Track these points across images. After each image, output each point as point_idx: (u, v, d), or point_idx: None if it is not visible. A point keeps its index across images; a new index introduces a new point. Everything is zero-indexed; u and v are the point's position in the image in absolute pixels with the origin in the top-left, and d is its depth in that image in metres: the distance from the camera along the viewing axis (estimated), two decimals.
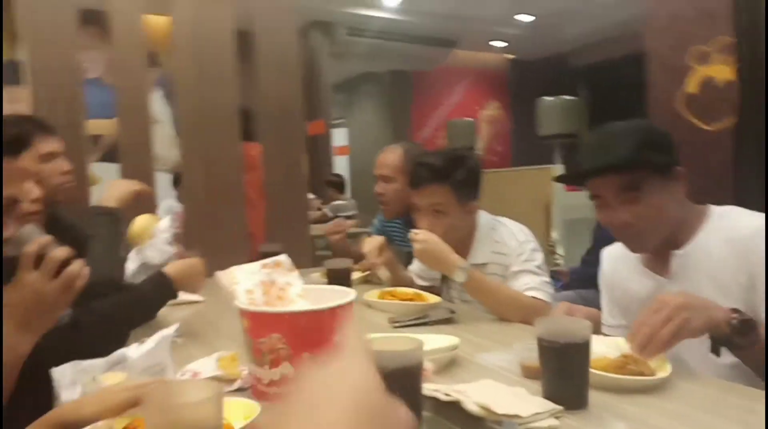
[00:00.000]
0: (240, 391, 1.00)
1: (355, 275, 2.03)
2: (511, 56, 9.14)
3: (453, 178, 1.63)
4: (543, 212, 4.61)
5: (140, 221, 1.71)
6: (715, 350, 1.04)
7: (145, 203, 1.94)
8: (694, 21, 2.50)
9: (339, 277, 1.75)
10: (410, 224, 2.19)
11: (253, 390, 0.97)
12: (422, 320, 1.44)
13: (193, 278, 1.46)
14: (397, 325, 1.43)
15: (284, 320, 0.95)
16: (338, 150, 8.36)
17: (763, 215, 1.15)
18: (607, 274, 1.39)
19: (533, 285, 1.54)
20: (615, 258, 1.36)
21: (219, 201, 2.59)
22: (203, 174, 2.59)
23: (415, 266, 1.93)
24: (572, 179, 1.36)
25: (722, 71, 2.37)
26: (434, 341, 1.14)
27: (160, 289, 1.39)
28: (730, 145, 2.34)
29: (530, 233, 1.68)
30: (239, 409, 0.85)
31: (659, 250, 1.22)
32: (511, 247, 1.63)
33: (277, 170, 2.75)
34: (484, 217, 1.73)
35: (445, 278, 1.81)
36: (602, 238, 2.32)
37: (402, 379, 0.81)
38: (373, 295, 1.70)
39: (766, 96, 2.35)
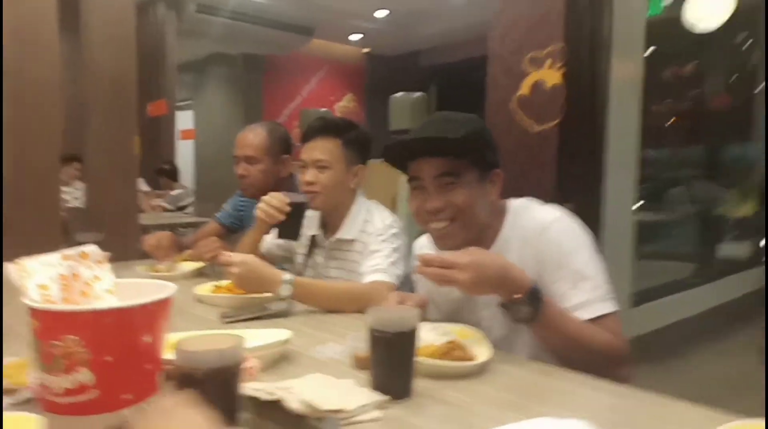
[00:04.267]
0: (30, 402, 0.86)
1: (189, 267, 1.89)
2: (366, 50, 9.25)
3: (344, 134, 1.66)
4: (390, 204, 4.73)
5: None
6: (509, 316, 1.09)
7: None
8: (532, 28, 2.70)
9: None
10: None
11: (41, 401, 0.83)
12: (256, 314, 1.36)
13: None
14: (228, 320, 1.34)
15: (83, 320, 0.82)
16: (183, 134, 7.86)
17: (551, 209, 1.22)
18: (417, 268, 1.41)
19: (380, 267, 1.54)
20: (424, 251, 1.35)
21: (32, 183, 2.26)
22: (19, 153, 2.24)
23: (271, 237, 1.85)
24: (398, 149, 1.31)
25: (551, 75, 2.57)
26: (264, 336, 1.08)
27: None
28: (555, 143, 2.55)
29: (398, 221, 1.69)
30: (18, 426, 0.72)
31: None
32: (377, 227, 1.64)
33: (105, 153, 2.48)
34: (361, 196, 1.73)
35: (311, 248, 1.77)
36: None
37: (216, 381, 0.74)
38: (204, 289, 1.58)
39: (588, 101, 2.61)
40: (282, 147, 2.06)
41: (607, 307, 1.13)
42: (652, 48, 3.29)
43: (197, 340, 0.78)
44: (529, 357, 1.15)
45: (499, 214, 1.25)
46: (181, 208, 5.67)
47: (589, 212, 1.26)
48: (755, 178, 5.92)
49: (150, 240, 2.01)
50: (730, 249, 5.44)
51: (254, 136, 2.04)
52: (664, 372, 3.08)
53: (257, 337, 1.06)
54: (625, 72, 2.97)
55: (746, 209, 5.73)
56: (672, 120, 5.92)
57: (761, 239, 5.67)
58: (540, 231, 1.18)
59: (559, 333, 1.09)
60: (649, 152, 4.93)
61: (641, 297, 3.42)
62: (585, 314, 1.12)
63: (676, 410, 0.87)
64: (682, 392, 0.92)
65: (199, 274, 1.91)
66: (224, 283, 1.60)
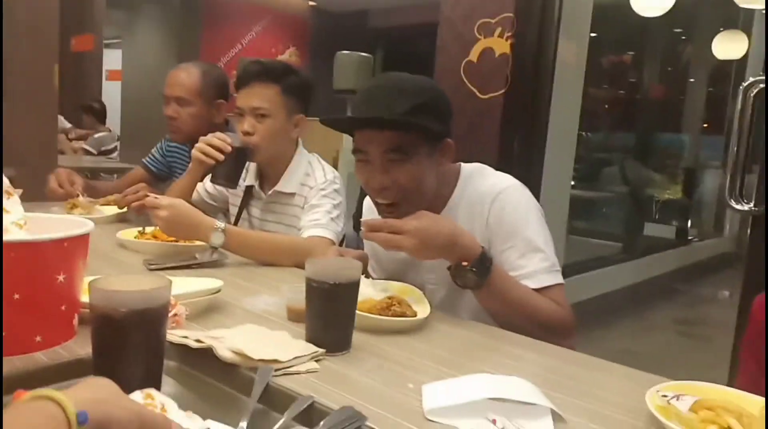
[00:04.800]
0: None
1: (110, 210, 1.77)
2: (313, 3, 8.94)
3: (284, 80, 1.54)
4: (332, 160, 4.66)
5: None
6: (457, 280, 1.08)
7: None
8: None
9: None
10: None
11: None
12: (184, 262, 1.28)
13: None
14: (153, 267, 1.26)
15: None
16: (110, 74, 7.37)
17: (504, 176, 1.21)
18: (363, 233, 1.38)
19: (321, 222, 1.48)
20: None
21: None
22: None
23: (206, 184, 1.74)
24: (341, 124, 1.29)
25: (500, 44, 2.56)
26: (192, 284, 1.01)
27: None
28: (499, 113, 2.55)
29: (340, 178, 1.62)
30: None
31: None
32: (318, 181, 1.57)
33: (22, 79, 2.25)
34: (302, 148, 1.64)
35: (244, 200, 1.68)
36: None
37: (138, 325, 0.67)
38: (128, 234, 1.48)
39: (534, 75, 2.62)
40: (217, 91, 1.94)
41: (555, 278, 1.14)
42: (593, 34, 3.34)
43: (118, 280, 0.70)
44: (472, 320, 1.15)
45: (451, 178, 1.22)
46: (104, 153, 5.34)
47: (530, 185, 1.24)
48: (682, 164, 6.29)
49: (52, 179, 1.85)
50: (657, 229, 5.78)
51: (187, 76, 1.91)
52: (589, 342, 3.23)
53: (185, 284, 0.99)
54: (571, 52, 3.01)
55: (673, 192, 6.09)
56: (607, 106, 6.14)
57: (685, 221, 6.08)
58: (493, 197, 1.16)
59: (505, 301, 1.08)
60: (586, 134, 5.10)
61: (570, 270, 3.55)
62: (532, 283, 1.11)
63: (617, 373, 0.89)
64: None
65: (121, 220, 1.78)
66: (150, 229, 1.50)
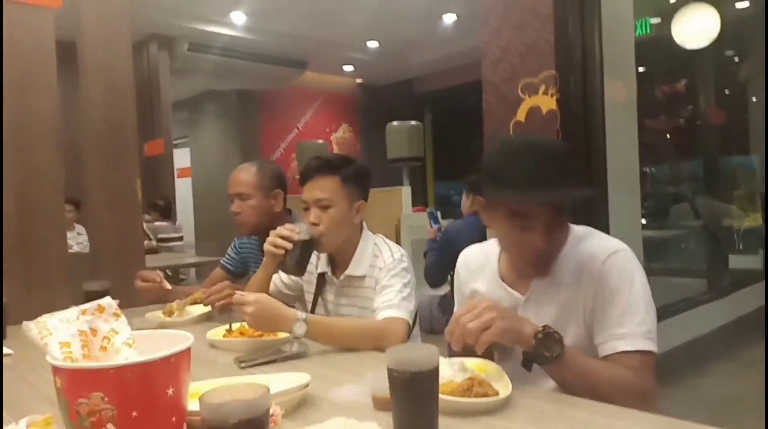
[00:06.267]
0: None
1: (198, 311, 1.89)
2: (359, 80, 9.37)
3: (342, 171, 1.65)
4: (393, 232, 4.74)
5: None
6: (526, 364, 1.11)
7: None
8: (523, 55, 2.74)
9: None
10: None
11: None
12: (271, 357, 1.36)
13: None
14: (244, 365, 1.33)
15: (107, 376, 0.83)
16: (180, 172, 7.90)
17: (615, 241, 1.25)
18: (462, 277, 1.44)
19: (393, 302, 1.54)
20: (471, 263, 1.40)
21: (36, 227, 2.26)
22: (21, 196, 2.25)
23: (282, 275, 1.85)
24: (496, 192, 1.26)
25: (546, 101, 2.61)
26: (283, 381, 1.07)
27: None
28: None
29: (407, 255, 1.69)
30: None
31: (521, 270, 1.29)
32: (387, 262, 1.64)
33: (107, 195, 2.49)
34: (367, 231, 1.74)
35: (318, 286, 1.77)
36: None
37: None
38: (217, 333, 1.57)
39: (584, 124, 2.64)
40: (273, 182, 2.09)
41: (647, 344, 1.15)
42: (642, 68, 3.34)
43: (221, 391, 0.78)
44: (554, 388, 1.16)
45: (562, 235, 1.27)
46: (162, 241, 5.67)
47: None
48: (755, 188, 5.96)
49: (137, 280, 2.02)
50: (742, 261, 5.43)
51: (244, 174, 2.09)
52: (682, 392, 3.05)
53: (276, 381, 1.05)
54: (619, 91, 3.01)
55: (751, 220, 5.74)
56: (669, 136, 5.99)
57: None
58: (605, 258, 1.20)
59: (576, 376, 1.10)
60: (650, 169, 4.95)
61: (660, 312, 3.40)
62: (625, 345, 1.14)
63: None
64: (703, 413, 0.92)
65: (207, 319, 1.90)
66: (235, 326, 1.59)
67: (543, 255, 1.22)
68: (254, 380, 1.03)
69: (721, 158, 5.85)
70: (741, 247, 5.72)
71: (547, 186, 1.15)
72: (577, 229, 1.30)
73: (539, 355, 1.07)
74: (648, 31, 4.65)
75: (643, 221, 3.49)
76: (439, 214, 3.97)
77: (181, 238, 5.95)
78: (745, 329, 4.15)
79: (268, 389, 0.78)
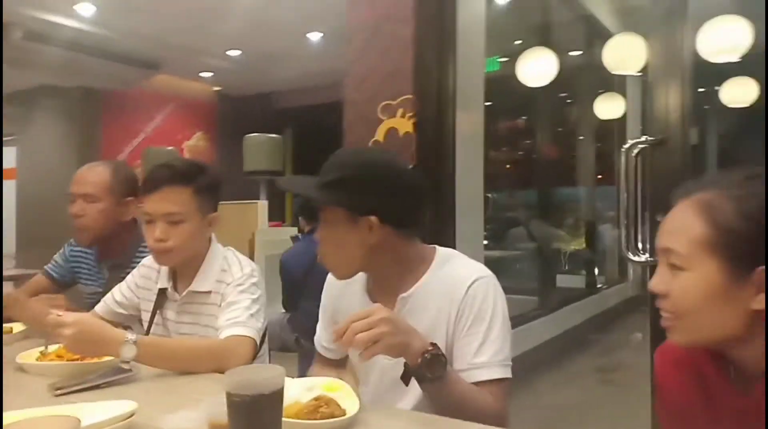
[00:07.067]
0: None
1: (16, 328, 1.64)
2: (217, 88, 9.02)
3: (196, 181, 1.51)
4: (247, 247, 4.57)
5: None
6: (405, 378, 1.11)
7: None
8: (384, 79, 2.81)
9: None
10: (102, 254, 1.92)
11: None
12: (93, 383, 1.20)
13: None
14: (60, 392, 1.17)
15: None
16: (4, 173, 6.98)
17: (479, 266, 1.29)
18: (331, 296, 1.42)
19: (239, 319, 1.43)
20: (341, 282, 1.37)
21: None
22: None
23: (114, 292, 1.67)
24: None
25: (403, 124, 2.69)
26: (105, 410, 0.95)
27: None
28: None
29: (258, 270, 1.59)
30: None
31: (387, 288, 1.28)
32: (235, 276, 1.53)
33: None
34: (215, 243, 1.61)
35: (157, 303, 1.60)
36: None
37: None
38: (29, 356, 1.37)
39: (436, 150, 2.76)
40: (127, 188, 1.91)
41: (504, 372, 1.20)
42: (488, 103, 3.60)
43: (25, 424, 0.65)
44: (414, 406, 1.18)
45: (425, 257, 1.28)
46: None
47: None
48: (581, 216, 6.73)
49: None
50: (568, 280, 6.07)
51: (95, 173, 1.88)
52: (515, 402, 3.26)
53: (97, 410, 0.93)
54: (469, 122, 3.21)
55: (576, 244, 6.47)
56: (509, 166, 6.56)
57: (592, 270, 6.46)
58: (469, 283, 1.22)
59: (449, 399, 1.12)
60: (492, 195, 5.36)
61: None
62: (482, 375, 1.17)
63: None
64: (532, 422, 0.97)
65: (24, 337, 1.65)
66: (52, 348, 1.40)
67: (349, 273, 1.27)
68: (69, 410, 0.90)
69: (553, 189, 6.52)
70: (567, 267, 6.41)
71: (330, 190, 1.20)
72: (442, 251, 1.32)
73: (421, 374, 1.07)
74: (496, 68, 5.05)
75: (485, 242, 3.74)
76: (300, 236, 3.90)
77: None
78: (570, 342, 4.61)
79: (79, 421, 0.67)
